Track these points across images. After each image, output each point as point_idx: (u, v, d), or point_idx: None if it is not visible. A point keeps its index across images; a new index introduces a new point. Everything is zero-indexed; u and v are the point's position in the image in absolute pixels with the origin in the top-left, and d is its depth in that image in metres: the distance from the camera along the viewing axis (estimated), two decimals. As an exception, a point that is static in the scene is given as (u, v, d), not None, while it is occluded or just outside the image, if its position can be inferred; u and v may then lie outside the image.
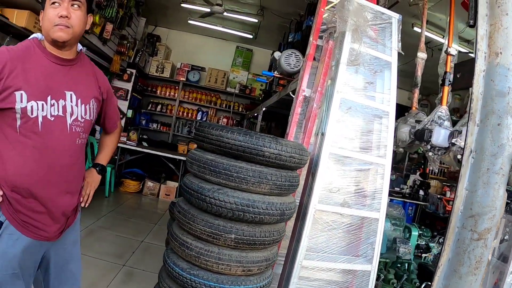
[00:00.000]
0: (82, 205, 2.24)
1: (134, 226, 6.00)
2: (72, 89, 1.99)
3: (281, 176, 2.28)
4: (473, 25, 1.18)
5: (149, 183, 8.59)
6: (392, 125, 3.01)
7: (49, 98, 1.89)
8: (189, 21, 9.44)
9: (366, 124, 3.06)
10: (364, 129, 3.06)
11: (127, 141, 8.37)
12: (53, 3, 1.89)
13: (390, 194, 2.97)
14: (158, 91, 10.75)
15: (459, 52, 4.20)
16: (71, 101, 1.98)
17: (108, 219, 6.13)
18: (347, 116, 2.99)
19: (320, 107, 3.10)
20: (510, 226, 1.12)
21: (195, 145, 2.54)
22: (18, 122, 1.84)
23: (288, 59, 4.35)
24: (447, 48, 3.72)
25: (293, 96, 3.71)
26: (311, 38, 3.41)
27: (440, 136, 3.12)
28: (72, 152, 2.03)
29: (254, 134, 2.21)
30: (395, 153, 3.19)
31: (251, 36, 9.84)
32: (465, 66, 1.21)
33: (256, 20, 8.60)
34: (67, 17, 1.90)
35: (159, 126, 10.71)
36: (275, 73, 4.93)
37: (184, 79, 10.58)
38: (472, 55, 4.33)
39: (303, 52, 4.36)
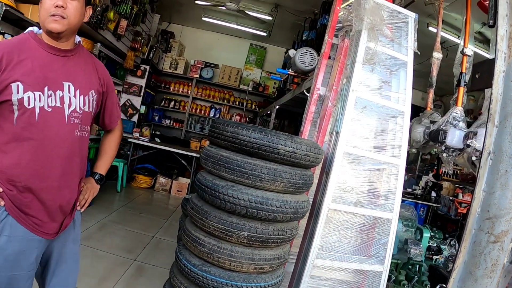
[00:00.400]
0: (78, 208, 2.20)
1: (145, 222, 6.03)
2: (70, 80, 1.97)
3: (295, 174, 2.28)
4: (493, 25, 1.17)
5: (161, 179, 8.62)
6: (407, 125, 2.99)
7: (46, 88, 1.88)
8: (203, 18, 9.46)
9: (381, 123, 3.04)
10: (379, 128, 3.04)
11: (140, 137, 8.40)
12: None
13: (402, 194, 2.95)
14: (171, 88, 10.81)
15: (477, 54, 4.16)
16: (69, 92, 1.96)
17: (120, 213, 6.17)
18: (362, 115, 2.98)
19: (335, 105, 3.08)
20: (526, 229, 1.12)
21: (208, 142, 2.54)
22: (15, 114, 1.82)
23: (303, 57, 4.34)
24: (463, 49, 3.69)
25: (308, 95, 3.70)
26: (326, 37, 3.40)
27: (454, 137, 3.09)
28: (70, 143, 1.99)
29: (269, 132, 2.21)
30: (408, 153, 3.17)
31: (265, 34, 9.83)
32: (484, 67, 1.20)
33: (270, 18, 8.59)
34: (62, 6, 1.87)
35: (171, 123, 10.76)
36: (290, 71, 4.92)
37: (197, 76, 10.61)
38: (487, 55, 4.30)
39: (317, 50, 4.35)
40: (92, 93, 2.08)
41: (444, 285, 1.07)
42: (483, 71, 1.18)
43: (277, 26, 9.07)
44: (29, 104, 1.83)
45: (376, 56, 2.94)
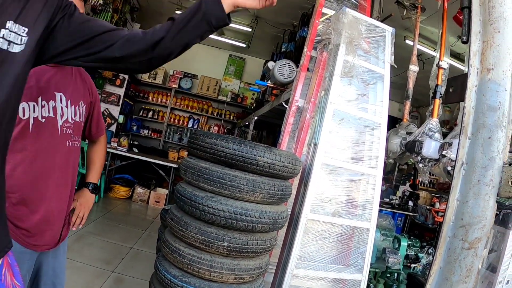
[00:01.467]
0: (72, 228, 2.19)
1: (124, 233, 5.96)
2: (61, 90, 1.96)
3: (274, 185, 2.31)
4: (466, 42, 1.22)
5: (139, 190, 8.55)
6: (384, 137, 3.05)
7: (39, 99, 1.85)
8: (183, 29, 9.46)
9: (358, 135, 3.10)
10: (356, 140, 3.10)
11: (117, 147, 8.33)
12: None
13: (379, 204, 3.00)
14: (150, 98, 10.75)
15: (453, 66, 4.26)
16: (61, 102, 1.95)
17: (97, 224, 6.08)
18: (339, 127, 3.03)
19: (313, 117, 3.13)
20: (498, 237, 1.16)
21: (186, 153, 2.54)
22: None
23: (282, 69, 4.39)
24: (438, 62, 3.78)
25: (286, 106, 3.74)
26: (305, 49, 3.45)
27: (430, 148, 3.16)
28: (62, 154, 1.97)
29: (249, 144, 2.23)
30: (385, 164, 3.23)
31: (244, 45, 9.88)
32: (458, 81, 1.25)
33: (250, 29, 8.65)
34: None
35: (150, 133, 10.68)
36: (269, 82, 4.97)
37: (176, 86, 10.59)
38: (462, 68, 4.41)
39: (296, 62, 4.41)
40: (81, 103, 2.08)
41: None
42: (457, 85, 1.23)
43: (257, 37, 9.14)
44: (23, 115, 1.80)
45: (354, 69, 3.00)
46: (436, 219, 7.64)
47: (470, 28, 1.21)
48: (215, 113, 10.89)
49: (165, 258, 2.46)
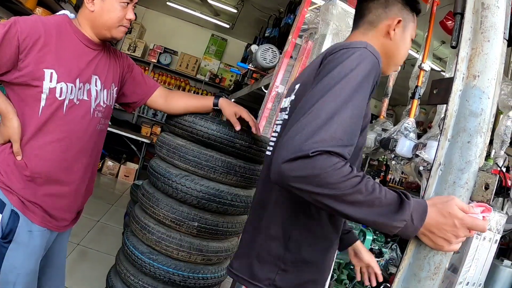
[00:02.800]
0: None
1: (91, 205, 5.80)
2: (97, 73, 1.92)
3: (249, 169, 2.30)
4: (455, 47, 1.24)
5: (109, 163, 8.43)
6: (360, 131, 3.07)
7: (77, 81, 1.80)
8: (168, 3, 9.30)
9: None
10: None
11: (90, 117, 8.17)
12: (122, 2, 1.82)
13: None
14: (127, 70, 10.50)
15: (432, 69, 4.32)
16: (96, 86, 1.91)
17: (64, 194, 5.98)
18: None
19: (293, 105, 3.13)
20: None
21: (159, 129, 2.51)
22: (42, 103, 1.72)
23: (265, 53, 4.36)
24: (421, 63, 3.82)
25: (265, 91, 3.73)
26: (290, 37, 3.44)
27: (404, 147, 3.20)
28: (91, 137, 1.95)
29: (227, 125, 2.22)
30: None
31: (228, 26, 9.79)
32: (442, 84, 1.26)
33: (235, 11, 8.56)
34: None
35: (124, 106, 10.44)
36: (250, 65, 4.93)
37: (155, 61, 10.40)
38: (444, 73, 4.46)
39: (279, 48, 4.39)
40: (113, 85, 2.06)
41: (389, 285, 1.14)
42: (441, 87, 1.25)
43: (241, 19, 9.05)
44: (60, 95, 1.74)
45: (337, 61, 3.00)
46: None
47: (461, 34, 1.22)
48: (192, 92, 10.75)
49: (133, 234, 2.44)
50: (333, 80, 1.17)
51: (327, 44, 2.96)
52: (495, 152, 3.42)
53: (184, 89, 10.55)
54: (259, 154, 2.32)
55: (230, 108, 2.15)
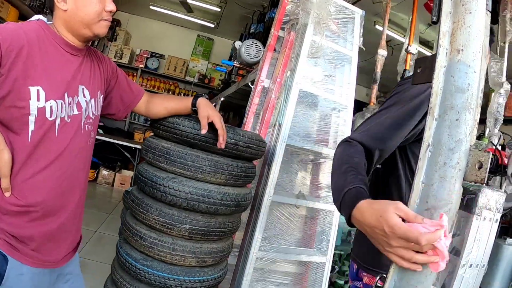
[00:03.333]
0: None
1: (88, 216, 5.75)
2: (83, 82, 1.70)
3: (237, 166, 2.26)
4: (436, 22, 1.19)
5: (104, 172, 8.38)
6: (349, 119, 3.04)
7: (66, 95, 1.58)
8: (151, 7, 9.24)
9: (323, 116, 3.08)
10: (322, 121, 3.08)
11: (81, 128, 8.11)
12: None
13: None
14: (116, 78, 10.43)
15: (420, 52, 4.30)
16: (84, 96, 1.69)
17: (60, 207, 5.94)
18: (305, 108, 3.00)
19: (279, 98, 3.09)
20: (462, 221, 1.15)
21: (152, 134, 2.47)
22: (31, 127, 1.50)
23: (249, 49, 4.32)
24: (407, 47, 3.80)
25: (252, 87, 3.69)
26: (272, 29, 3.40)
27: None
28: (84, 154, 1.76)
29: (211, 123, 2.17)
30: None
31: (212, 25, 9.73)
32: (426, 62, 1.22)
33: (219, 9, 8.51)
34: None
35: (115, 114, 10.36)
36: (235, 62, 4.89)
37: (142, 66, 10.34)
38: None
39: (265, 43, 4.34)
40: (99, 93, 1.83)
41: (385, 275, 1.10)
42: (425, 66, 1.21)
43: (226, 18, 9.00)
44: (51, 116, 1.53)
45: (321, 50, 2.97)
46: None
47: (441, 8, 1.18)
48: (182, 94, 10.69)
49: (126, 241, 2.39)
50: None
51: (309, 33, 2.91)
52: (489, 131, 3.39)
53: (173, 92, 10.50)
54: (247, 150, 2.28)
55: (204, 109, 2.01)
